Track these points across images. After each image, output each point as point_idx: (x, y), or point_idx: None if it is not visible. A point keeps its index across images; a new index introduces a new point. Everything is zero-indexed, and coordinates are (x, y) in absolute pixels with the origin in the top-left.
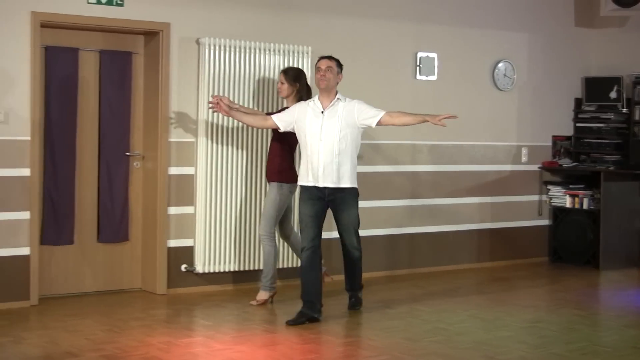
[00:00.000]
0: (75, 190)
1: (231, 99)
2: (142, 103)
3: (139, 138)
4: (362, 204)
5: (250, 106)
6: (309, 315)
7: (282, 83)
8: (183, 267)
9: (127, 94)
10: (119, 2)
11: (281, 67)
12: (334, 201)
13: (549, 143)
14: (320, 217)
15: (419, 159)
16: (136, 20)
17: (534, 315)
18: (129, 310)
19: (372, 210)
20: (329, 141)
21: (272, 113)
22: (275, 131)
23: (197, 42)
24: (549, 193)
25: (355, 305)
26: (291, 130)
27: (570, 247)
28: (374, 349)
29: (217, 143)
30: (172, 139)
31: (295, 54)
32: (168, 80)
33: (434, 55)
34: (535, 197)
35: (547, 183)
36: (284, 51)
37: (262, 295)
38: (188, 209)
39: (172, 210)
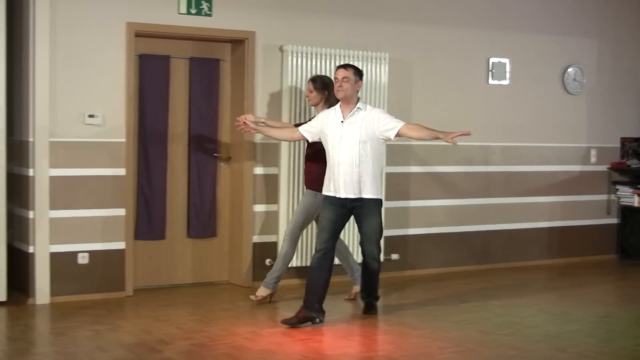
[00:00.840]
0: (166, 188)
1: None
2: (229, 107)
3: (227, 140)
4: (437, 202)
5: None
6: (307, 316)
7: (311, 91)
8: (267, 261)
9: (215, 98)
10: (207, 12)
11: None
12: (356, 210)
13: (618, 144)
14: (337, 223)
15: (491, 159)
16: (223, 29)
17: (603, 310)
18: (216, 302)
19: (446, 209)
20: (348, 152)
21: (301, 124)
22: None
23: (281, 49)
24: (617, 192)
25: (369, 310)
26: (318, 140)
27: (638, 244)
28: (448, 341)
29: (299, 145)
30: (257, 141)
31: (373, 61)
32: (253, 85)
33: (505, 60)
34: (604, 197)
35: (615, 183)
36: (362, 58)
37: (263, 291)
38: (272, 207)
39: (257, 207)
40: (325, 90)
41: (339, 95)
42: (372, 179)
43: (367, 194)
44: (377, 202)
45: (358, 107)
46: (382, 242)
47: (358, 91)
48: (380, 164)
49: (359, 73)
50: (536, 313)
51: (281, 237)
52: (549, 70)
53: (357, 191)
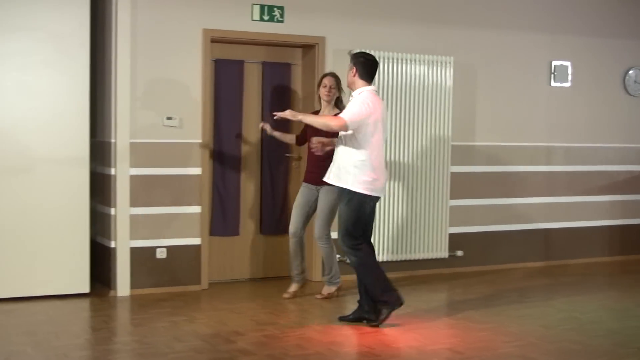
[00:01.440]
0: (240, 187)
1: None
2: (300, 109)
3: None
4: (501, 200)
5: (397, 114)
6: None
7: (332, 88)
8: (338, 256)
9: (286, 100)
10: (279, 19)
11: (425, 77)
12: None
13: None
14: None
15: (554, 159)
16: (295, 35)
17: None
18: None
19: (510, 207)
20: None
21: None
22: None
23: (349, 53)
24: None
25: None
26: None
27: None
28: (511, 335)
29: None
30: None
31: (439, 64)
32: None
33: (567, 63)
34: None
35: None
36: (427, 61)
37: (329, 289)
38: None
39: None
40: (340, 89)
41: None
42: (344, 170)
43: (344, 184)
44: (344, 192)
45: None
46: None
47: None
48: (356, 155)
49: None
50: (597, 309)
51: None
52: (610, 72)
53: (335, 180)
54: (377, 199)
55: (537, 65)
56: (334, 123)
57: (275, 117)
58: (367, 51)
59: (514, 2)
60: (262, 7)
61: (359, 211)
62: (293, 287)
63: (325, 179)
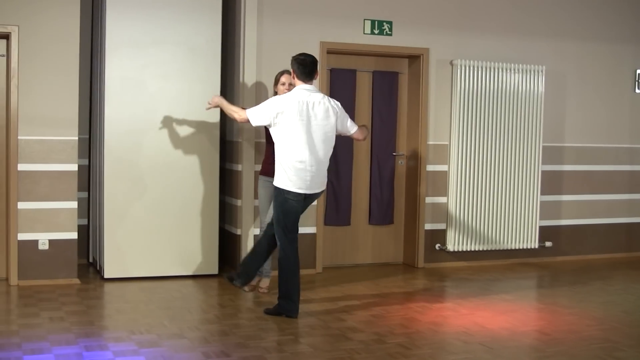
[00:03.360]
0: (352, 182)
1: (477, 111)
2: (405, 113)
3: (403, 141)
4: (587, 196)
5: (493, 117)
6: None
7: (291, 85)
8: (437, 246)
9: (394, 105)
10: (388, 32)
11: (519, 84)
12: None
13: None
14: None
15: (636, 160)
16: (402, 47)
17: None
18: (392, 280)
19: (595, 202)
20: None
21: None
22: None
23: (451, 63)
24: None
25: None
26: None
27: None
28: (595, 319)
29: (465, 145)
30: (430, 142)
31: (531, 73)
32: (427, 95)
33: None
34: None
35: None
36: (521, 70)
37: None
38: (442, 199)
39: (429, 199)
40: None
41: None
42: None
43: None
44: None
45: None
46: (450, 225)
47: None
48: (278, 152)
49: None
50: None
51: (449, 224)
52: None
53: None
54: (297, 194)
55: (622, 73)
56: (237, 115)
57: (207, 108)
58: (467, 61)
59: (600, 14)
60: (372, 21)
61: (282, 206)
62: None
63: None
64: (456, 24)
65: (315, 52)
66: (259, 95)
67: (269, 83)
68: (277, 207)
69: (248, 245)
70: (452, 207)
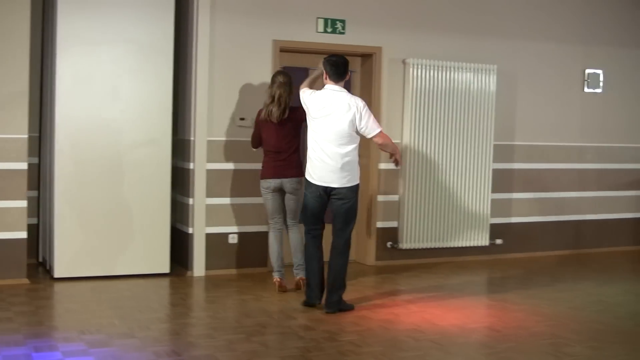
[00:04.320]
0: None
1: (429, 110)
2: None
3: None
4: (537, 194)
5: (445, 115)
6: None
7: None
8: (389, 243)
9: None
10: (341, 31)
11: (471, 83)
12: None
13: None
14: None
15: (585, 158)
16: (355, 45)
17: None
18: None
19: (545, 200)
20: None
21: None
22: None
23: (404, 62)
24: None
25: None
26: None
27: None
28: (544, 316)
29: (418, 144)
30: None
31: (483, 72)
32: (379, 93)
33: (599, 71)
34: None
35: None
36: (473, 69)
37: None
38: (394, 197)
39: (381, 198)
40: None
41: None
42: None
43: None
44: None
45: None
46: (403, 223)
47: None
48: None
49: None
50: (622, 293)
51: (401, 222)
52: (637, 79)
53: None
54: (315, 186)
55: (572, 73)
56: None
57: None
58: (419, 60)
59: (551, 15)
60: (325, 20)
61: (304, 198)
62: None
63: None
64: (409, 23)
65: (268, 51)
66: (212, 93)
67: (222, 81)
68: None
69: (198, 243)
70: (404, 205)
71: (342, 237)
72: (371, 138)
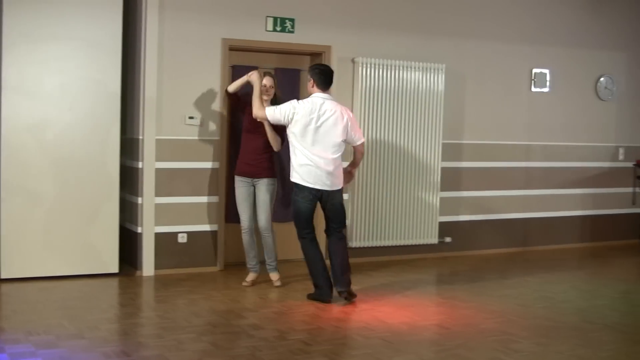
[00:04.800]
0: None
1: (379, 109)
2: None
3: None
4: (485, 193)
5: (393, 115)
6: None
7: (271, 87)
8: None
9: None
10: (290, 30)
11: (419, 82)
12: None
13: None
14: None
15: (532, 156)
16: (304, 44)
17: (626, 287)
18: (295, 276)
19: (493, 199)
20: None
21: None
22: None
23: (353, 61)
24: None
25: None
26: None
27: None
28: (492, 313)
29: (367, 142)
30: None
31: (432, 71)
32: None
33: (546, 71)
34: (630, 189)
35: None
36: (422, 68)
37: (252, 276)
38: (343, 196)
39: None
40: None
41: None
42: (291, 163)
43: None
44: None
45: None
46: (351, 221)
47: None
48: (293, 154)
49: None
50: (568, 289)
51: (354, 220)
52: (583, 79)
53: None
54: (309, 190)
55: (519, 73)
56: (256, 105)
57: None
58: (368, 59)
59: (499, 15)
60: (275, 19)
61: (295, 204)
62: (251, 277)
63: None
64: (358, 22)
65: (217, 49)
66: (161, 92)
67: (171, 80)
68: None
69: (147, 243)
70: (353, 204)
71: (343, 229)
72: (356, 146)
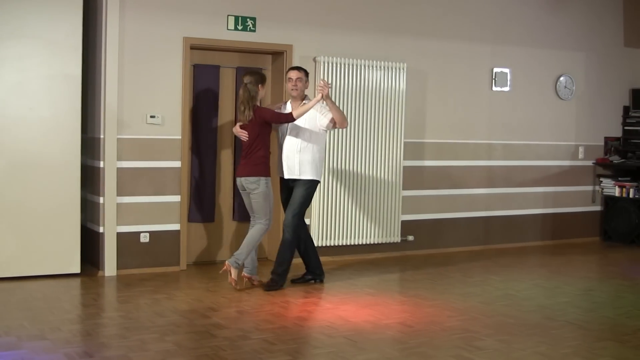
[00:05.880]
0: (215, 178)
1: (341, 108)
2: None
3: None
4: (447, 191)
5: (356, 113)
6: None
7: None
8: None
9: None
10: (252, 28)
11: (381, 81)
12: (293, 189)
13: (602, 143)
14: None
15: (493, 155)
16: (265, 43)
17: (588, 285)
18: (258, 275)
19: (454, 197)
20: (293, 139)
21: (279, 109)
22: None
23: (314, 60)
24: (601, 184)
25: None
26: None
27: (618, 229)
28: (455, 310)
29: (329, 141)
30: None
31: (393, 70)
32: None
33: (507, 70)
34: (590, 188)
35: (599, 176)
36: (383, 67)
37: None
38: None
39: None
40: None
41: (293, 93)
42: (311, 162)
43: (305, 176)
44: (312, 183)
45: (304, 103)
46: (314, 220)
47: (306, 88)
48: (320, 151)
49: (307, 74)
50: (530, 287)
51: (313, 219)
52: (544, 78)
53: (297, 173)
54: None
55: (480, 72)
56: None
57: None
58: (330, 57)
59: (459, 15)
60: (236, 17)
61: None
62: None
63: (297, 177)
64: (319, 21)
65: (178, 48)
66: (122, 91)
67: (132, 78)
68: (307, 196)
69: (109, 242)
70: (315, 202)
71: None
72: (328, 126)
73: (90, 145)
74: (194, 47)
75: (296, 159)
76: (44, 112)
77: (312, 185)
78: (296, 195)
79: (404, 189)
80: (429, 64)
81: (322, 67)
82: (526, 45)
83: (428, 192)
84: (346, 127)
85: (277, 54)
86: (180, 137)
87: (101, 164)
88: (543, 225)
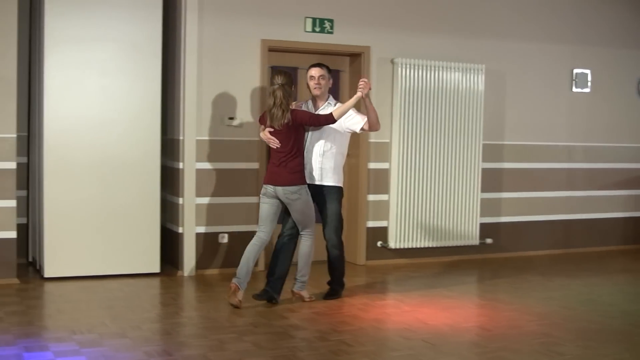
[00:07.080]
0: None
1: (418, 110)
2: None
3: None
4: (527, 194)
5: (434, 115)
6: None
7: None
8: (379, 243)
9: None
10: (329, 30)
11: (459, 83)
12: (317, 197)
13: None
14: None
15: (574, 157)
16: (343, 45)
17: None
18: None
19: (535, 200)
20: (315, 142)
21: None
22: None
23: (392, 61)
24: None
25: (330, 295)
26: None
27: None
28: (536, 315)
29: (406, 143)
30: (371, 140)
31: (471, 71)
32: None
33: (587, 71)
34: None
35: None
36: (461, 69)
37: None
38: (383, 197)
39: (371, 197)
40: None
41: (316, 92)
42: (334, 168)
43: (328, 182)
44: (338, 190)
45: (328, 102)
46: (391, 222)
47: (329, 88)
48: (343, 155)
49: (330, 71)
50: (613, 292)
51: (391, 222)
52: (625, 79)
53: (318, 179)
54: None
55: (560, 73)
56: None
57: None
58: (407, 59)
59: (539, 16)
60: (314, 19)
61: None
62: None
63: (318, 182)
64: (397, 23)
65: (256, 50)
66: (201, 93)
67: (210, 81)
68: (339, 207)
69: (188, 243)
70: (393, 205)
71: None
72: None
73: (169, 146)
74: (272, 49)
75: (317, 163)
76: (125, 114)
77: (340, 194)
78: (331, 210)
79: (482, 191)
80: (508, 66)
81: (400, 68)
82: (607, 46)
83: (507, 194)
84: (379, 130)
85: (355, 56)
86: (257, 139)
87: (180, 165)
88: (625, 229)
